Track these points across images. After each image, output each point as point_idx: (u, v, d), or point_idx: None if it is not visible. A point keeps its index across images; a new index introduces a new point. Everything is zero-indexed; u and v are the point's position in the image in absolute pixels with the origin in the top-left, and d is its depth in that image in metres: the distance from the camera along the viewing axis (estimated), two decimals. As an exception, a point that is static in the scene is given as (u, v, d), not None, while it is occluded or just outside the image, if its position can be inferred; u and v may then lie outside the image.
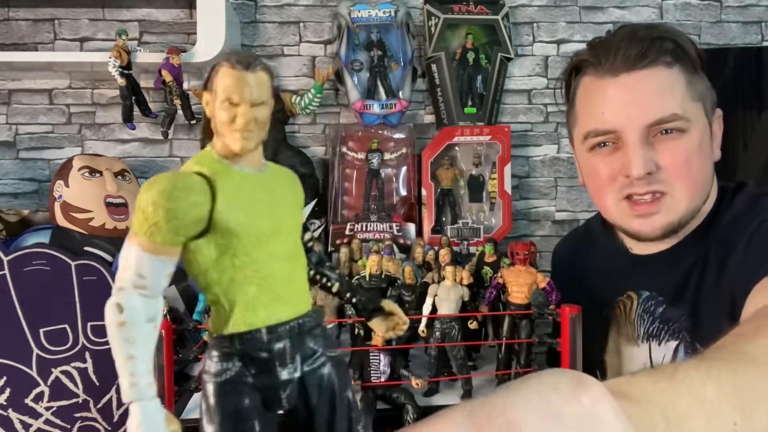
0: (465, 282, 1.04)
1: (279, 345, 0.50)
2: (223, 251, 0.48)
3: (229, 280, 0.49)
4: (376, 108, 1.56)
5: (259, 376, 0.49)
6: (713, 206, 0.86)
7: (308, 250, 0.59)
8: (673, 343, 0.86)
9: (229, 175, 0.49)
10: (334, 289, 0.63)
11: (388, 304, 0.64)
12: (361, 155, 1.62)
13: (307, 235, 0.59)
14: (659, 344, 0.87)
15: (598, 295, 0.98)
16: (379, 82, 1.58)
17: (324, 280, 0.62)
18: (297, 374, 0.51)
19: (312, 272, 0.61)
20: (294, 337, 0.51)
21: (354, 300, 0.64)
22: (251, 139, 0.49)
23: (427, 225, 1.58)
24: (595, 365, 0.99)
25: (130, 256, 0.46)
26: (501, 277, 1.07)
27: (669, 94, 0.80)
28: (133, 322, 0.44)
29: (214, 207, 0.47)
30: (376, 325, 0.65)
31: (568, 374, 0.39)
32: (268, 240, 0.50)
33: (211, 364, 0.50)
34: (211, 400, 0.49)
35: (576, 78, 0.92)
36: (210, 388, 0.49)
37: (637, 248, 0.92)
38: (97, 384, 1.22)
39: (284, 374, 0.50)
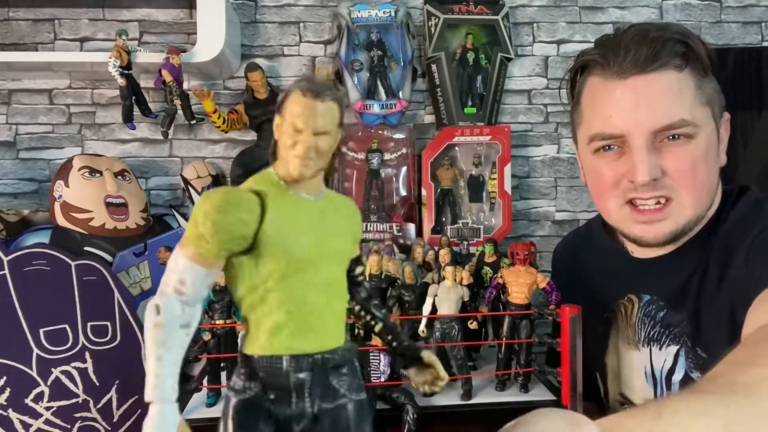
0: (465, 282, 1.04)
1: (299, 376, 0.49)
2: (262, 272, 0.48)
3: (260, 301, 0.49)
4: (376, 108, 1.56)
5: (275, 402, 0.49)
6: (716, 211, 0.85)
7: (357, 284, 0.59)
8: (673, 348, 0.85)
9: (284, 198, 0.50)
10: (377, 329, 0.61)
11: (428, 356, 0.61)
12: (361, 155, 1.62)
13: (359, 269, 0.59)
14: (660, 349, 0.87)
15: (599, 297, 0.97)
16: (379, 82, 1.58)
17: (368, 317, 0.61)
18: (313, 410, 0.49)
19: (357, 307, 0.60)
20: (316, 370, 0.49)
21: (394, 344, 0.61)
22: (309, 167, 0.49)
23: (427, 225, 1.58)
24: (595, 367, 0.99)
25: (177, 262, 0.47)
26: (501, 277, 1.07)
27: (678, 99, 0.78)
28: (167, 326, 0.45)
29: (260, 227, 0.47)
30: (413, 375, 0.62)
31: (561, 416, 0.39)
32: (307, 268, 0.49)
33: (237, 380, 0.50)
34: (230, 415, 0.49)
35: (582, 76, 0.90)
36: (231, 402, 0.49)
37: (638, 252, 0.92)
38: (97, 384, 1.22)
39: (299, 407, 0.49)
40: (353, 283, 0.58)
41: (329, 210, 0.53)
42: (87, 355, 1.22)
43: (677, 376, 0.85)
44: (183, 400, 1.00)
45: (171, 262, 0.47)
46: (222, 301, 1.03)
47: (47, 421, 1.19)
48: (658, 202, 0.81)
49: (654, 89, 0.78)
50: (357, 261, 0.58)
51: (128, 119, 1.43)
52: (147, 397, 0.44)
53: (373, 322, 0.61)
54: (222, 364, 1.05)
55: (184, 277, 0.46)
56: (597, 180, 0.87)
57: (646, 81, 0.79)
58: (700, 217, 0.83)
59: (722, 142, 0.84)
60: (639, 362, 0.90)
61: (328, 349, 0.50)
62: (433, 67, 1.63)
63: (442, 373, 0.61)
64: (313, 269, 0.50)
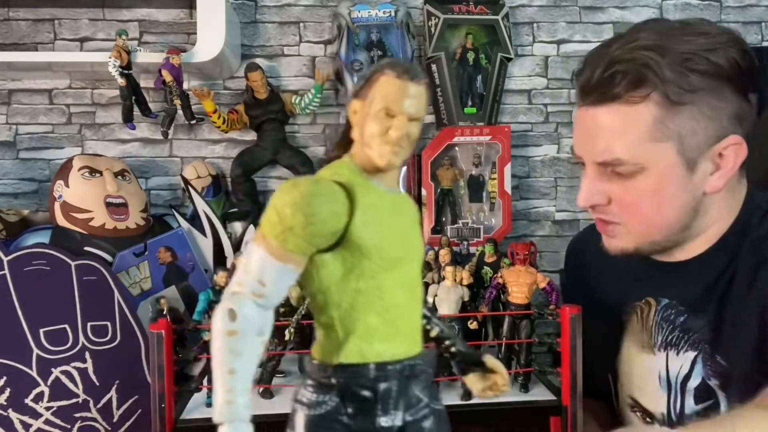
0: (465, 282, 1.04)
1: (385, 385, 0.45)
2: (350, 271, 0.44)
3: (349, 305, 0.44)
4: (376, 108, 1.56)
5: (356, 417, 0.44)
6: (741, 215, 0.81)
7: None
8: (691, 354, 0.83)
9: (369, 190, 0.46)
10: (433, 333, 0.57)
11: (491, 360, 0.57)
12: (361, 155, 1.62)
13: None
14: (677, 354, 0.85)
15: (614, 298, 0.95)
16: (379, 82, 1.58)
17: (424, 321, 0.56)
18: (397, 423, 0.45)
19: None
20: (402, 379, 0.45)
21: (452, 350, 0.57)
22: (400, 155, 0.47)
23: (427, 225, 1.58)
24: (607, 370, 0.97)
25: (252, 260, 0.42)
26: (501, 277, 1.07)
27: (618, 137, 0.74)
28: (243, 333, 0.40)
29: (351, 221, 0.43)
30: (473, 381, 0.58)
31: None
32: (396, 266, 0.46)
33: (305, 392, 0.46)
34: None
35: None
36: (300, 419, 0.45)
37: (658, 254, 0.89)
38: (97, 384, 1.22)
39: (384, 421, 0.45)
40: None
41: (402, 205, 0.50)
42: (87, 355, 1.22)
43: (693, 383, 0.83)
44: (183, 400, 1.00)
45: (243, 262, 0.43)
46: (222, 301, 1.03)
47: (47, 421, 1.19)
48: (604, 221, 0.82)
49: (594, 124, 0.76)
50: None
51: (128, 119, 1.43)
52: (217, 418, 0.40)
53: (428, 327, 0.57)
54: (222, 364, 1.05)
55: (264, 278, 0.41)
56: None
57: (591, 114, 0.77)
58: (663, 240, 0.81)
59: (723, 167, 0.76)
60: (653, 367, 0.88)
61: (413, 354, 0.47)
62: (433, 67, 1.63)
63: (505, 377, 0.58)
64: (402, 268, 0.46)
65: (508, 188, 1.59)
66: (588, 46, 1.72)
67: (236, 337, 0.40)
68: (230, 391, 0.40)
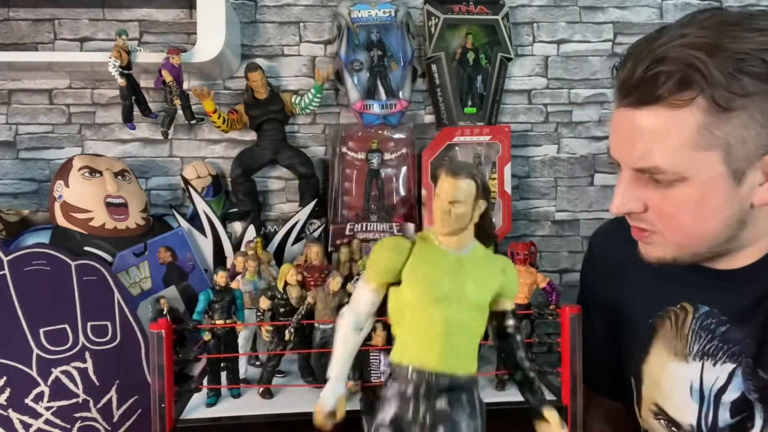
0: (465, 282, 1.04)
1: (416, 383, 0.62)
2: (400, 297, 0.65)
3: (397, 321, 0.65)
4: (376, 108, 1.56)
5: (405, 402, 0.62)
6: None
7: (505, 335, 0.71)
8: (729, 366, 0.80)
9: (429, 248, 0.66)
10: (517, 378, 0.72)
11: (548, 411, 0.68)
12: (361, 155, 1.62)
13: (510, 322, 0.70)
14: (714, 365, 0.81)
15: (644, 299, 0.91)
16: (379, 82, 1.58)
17: (511, 364, 0.72)
18: (428, 418, 0.61)
19: (503, 355, 0.74)
20: (431, 385, 0.61)
21: (527, 397, 0.71)
22: (446, 227, 0.64)
23: (427, 225, 1.58)
24: (631, 371, 0.94)
25: (358, 285, 0.69)
26: (501, 277, 1.07)
27: (658, 143, 0.69)
28: (342, 329, 0.67)
29: (403, 266, 0.64)
30: (539, 428, 0.69)
31: None
32: (436, 303, 0.62)
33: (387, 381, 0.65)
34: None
35: None
36: (383, 399, 0.64)
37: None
38: (97, 384, 1.22)
39: (418, 410, 0.61)
40: (502, 334, 0.71)
41: (472, 264, 0.66)
42: (87, 355, 1.22)
43: (729, 396, 0.80)
44: (183, 400, 1.00)
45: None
46: (222, 301, 1.03)
47: (47, 421, 1.19)
48: (641, 228, 0.78)
49: (633, 127, 0.70)
50: (508, 315, 0.70)
51: (128, 119, 1.43)
52: (328, 373, 0.66)
53: (515, 372, 0.71)
54: (222, 364, 1.05)
55: (357, 298, 0.68)
56: None
57: (630, 116, 0.71)
58: (703, 253, 0.77)
59: None
60: (685, 375, 0.84)
61: (447, 372, 0.62)
62: (433, 67, 1.63)
63: (559, 430, 0.67)
64: (441, 305, 0.62)
65: (508, 188, 1.59)
66: (588, 46, 1.72)
67: (339, 331, 0.68)
68: (332, 364, 0.67)
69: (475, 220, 0.65)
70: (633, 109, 0.70)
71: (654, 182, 0.72)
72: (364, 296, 0.67)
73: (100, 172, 1.41)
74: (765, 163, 0.68)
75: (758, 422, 0.78)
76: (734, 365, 0.79)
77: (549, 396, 0.98)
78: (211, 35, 1.43)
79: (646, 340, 0.91)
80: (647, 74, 0.67)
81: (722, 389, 0.81)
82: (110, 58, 1.35)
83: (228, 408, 1.00)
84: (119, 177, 1.44)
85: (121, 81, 1.37)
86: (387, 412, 0.62)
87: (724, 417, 0.81)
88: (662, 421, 0.89)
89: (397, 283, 0.65)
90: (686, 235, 0.74)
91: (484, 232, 0.68)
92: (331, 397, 0.65)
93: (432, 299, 0.62)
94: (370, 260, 0.66)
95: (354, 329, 0.67)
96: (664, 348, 0.88)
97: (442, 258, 0.65)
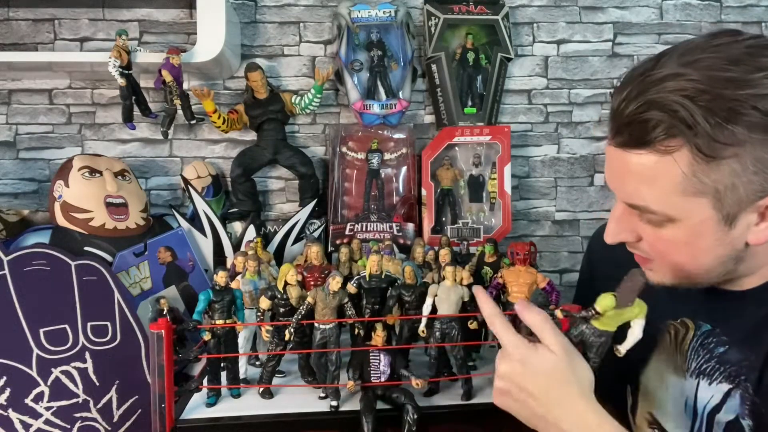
0: (465, 282, 1.04)
1: None
2: None
3: None
4: (376, 108, 1.56)
5: None
6: None
7: None
8: (725, 386, 0.78)
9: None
10: None
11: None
12: (361, 155, 1.62)
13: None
14: (709, 384, 0.80)
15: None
16: (379, 82, 1.58)
17: None
18: None
19: None
20: None
21: None
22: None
23: (427, 225, 1.58)
24: (626, 380, 0.94)
25: None
26: (501, 277, 1.07)
27: (647, 186, 0.68)
28: None
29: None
30: None
31: None
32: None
33: None
34: None
35: None
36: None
37: None
38: (97, 384, 1.22)
39: None
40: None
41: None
42: (87, 355, 1.22)
43: (723, 416, 0.78)
44: (183, 400, 1.00)
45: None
46: (222, 301, 1.03)
47: (47, 421, 1.19)
48: (640, 255, 0.78)
49: (623, 167, 0.70)
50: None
51: (128, 119, 1.43)
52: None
53: None
54: (222, 364, 1.05)
55: None
56: None
57: (619, 155, 0.70)
58: (702, 282, 0.76)
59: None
60: (682, 391, 0.83)
61: None
62: (433, 67, 1.63)
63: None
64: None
65: (508, 188, 1.59)
66: (588, 46, 1.73)
67: None
68: None
69: None
70: (623, 150, 0.70)
71: (647, 218, 0.72)
72: None
73: (100, 172, 1.41)
74: (758, 207, 0.67)
75: None
76: (731, 386, 0.78)
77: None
78: (211, 35, 1.43)
79: (645, 349, 0.89)
80: (637, 117, 0.66)
81: (716, 408, 0.79)
82: (110, 58, 1.35)
83: (228, 408, 1.00)
84: (119, 177, 1.44)
85: (121, 81, 1.37)
86: None
87: None
88: (656, 431, 0.89)
89: None
90: (680, 270, 0.74)
91: None
92: None
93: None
94: None
95: None
96: (662, 361, 0.88)
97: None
